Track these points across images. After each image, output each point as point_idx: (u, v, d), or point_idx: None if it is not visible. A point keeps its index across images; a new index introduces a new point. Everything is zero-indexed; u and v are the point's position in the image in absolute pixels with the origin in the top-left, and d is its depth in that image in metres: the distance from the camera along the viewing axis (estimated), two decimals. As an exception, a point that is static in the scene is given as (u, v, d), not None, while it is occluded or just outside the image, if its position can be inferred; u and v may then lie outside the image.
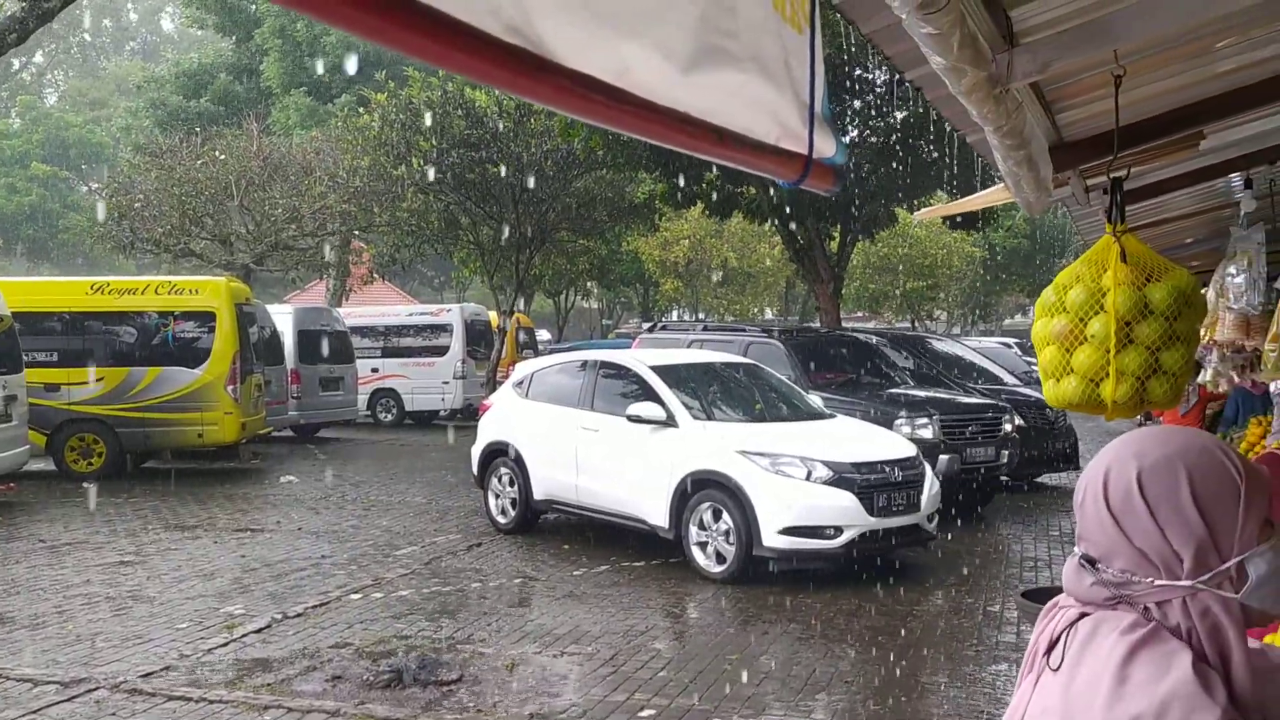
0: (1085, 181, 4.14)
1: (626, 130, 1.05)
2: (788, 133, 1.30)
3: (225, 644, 6.85)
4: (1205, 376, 10.25)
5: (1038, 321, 2.25)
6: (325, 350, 19.09)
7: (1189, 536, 1.28)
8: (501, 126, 20.67)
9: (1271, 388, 7.02)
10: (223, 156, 23.71)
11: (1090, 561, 1.34)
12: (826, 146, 1.38)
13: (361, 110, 24.30)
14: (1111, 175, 2.35)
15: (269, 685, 6.10)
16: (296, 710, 5.68)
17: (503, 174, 20.59)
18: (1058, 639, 1.36)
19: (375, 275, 26.89)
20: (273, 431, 17.12)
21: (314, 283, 36.99)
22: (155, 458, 15.26)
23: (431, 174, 19.93)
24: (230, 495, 12.92)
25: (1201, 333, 6.41)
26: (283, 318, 18.38)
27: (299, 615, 7.53)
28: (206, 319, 14.55)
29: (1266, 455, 3.55)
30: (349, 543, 10.08)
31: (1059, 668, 1.31)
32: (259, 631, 7.13)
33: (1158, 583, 1.29)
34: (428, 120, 19.86)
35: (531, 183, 21.01)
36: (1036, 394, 12.15)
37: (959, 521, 10.69)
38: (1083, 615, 1.35)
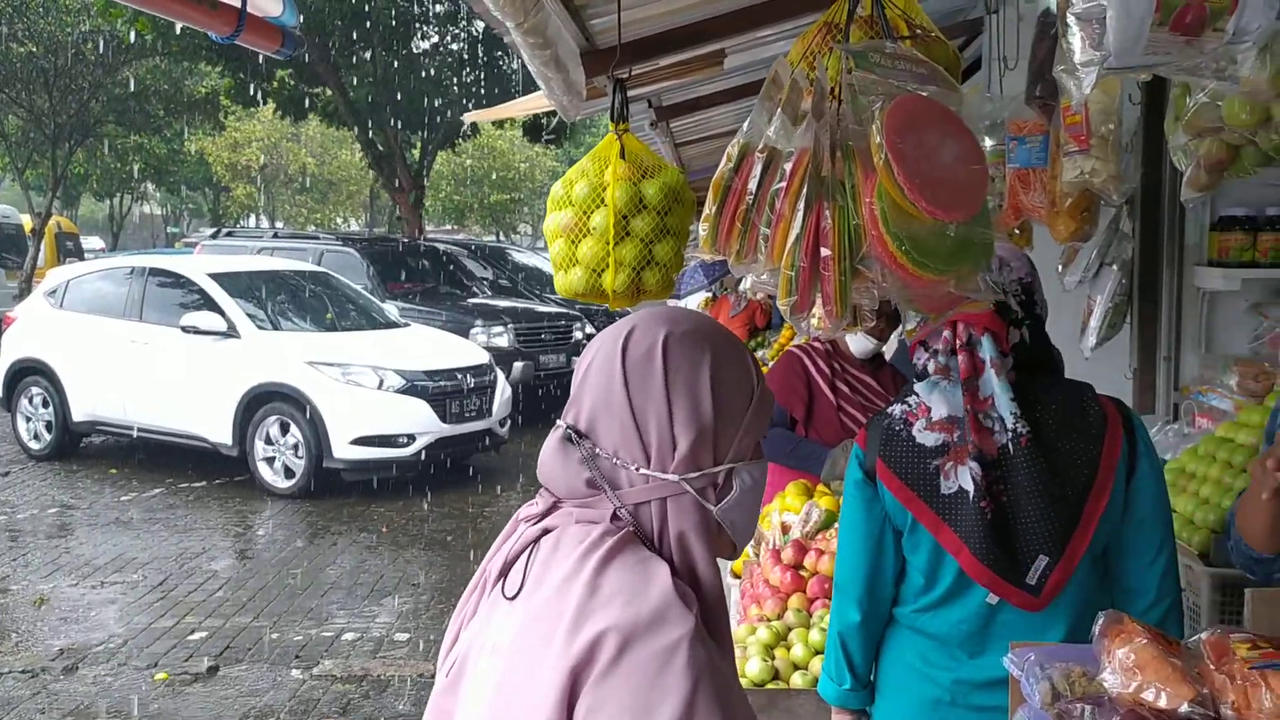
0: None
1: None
2: (221, -17, 1.20)
3: None
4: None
5: (549, 215, 2.32)
6: None
7: (694, 419, 1.14)
8: (28, -1, 17.98)
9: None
10: None
11: (578, 434, 1.18)
12: (271, 4, 1.29)
13: None
14: (615, 76, 2.47)
15: None
16: None
17: (33, 54, 17.95)
18: (513, 561, 1.17)
19: None
20: None
21: None
22: None
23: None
24: None
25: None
26: None
27: None
28: None
29: (785, 354, 3.93)
30: None
31: (516, 595, 1.12)
32: None
33: (643, 470, 1.14)
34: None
35: (68, 66, 18.52)
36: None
37: (532, 425, 11.11)
38: (545, 534, 1.17)
